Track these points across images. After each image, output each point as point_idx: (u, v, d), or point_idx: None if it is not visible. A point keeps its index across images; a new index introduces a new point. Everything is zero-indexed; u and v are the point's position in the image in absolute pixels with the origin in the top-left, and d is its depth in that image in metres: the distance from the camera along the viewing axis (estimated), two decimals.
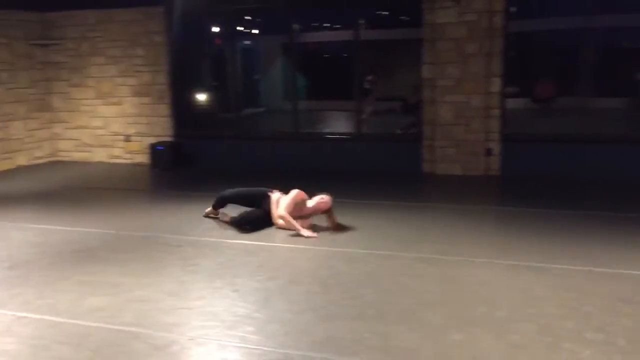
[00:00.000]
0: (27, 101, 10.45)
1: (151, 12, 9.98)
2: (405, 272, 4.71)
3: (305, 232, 5.68)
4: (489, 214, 6.71)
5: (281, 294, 4.30)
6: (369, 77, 14.21)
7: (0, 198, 7.80)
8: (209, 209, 6.44)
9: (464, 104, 8.50)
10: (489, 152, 8.54)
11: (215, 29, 11.98)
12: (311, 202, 5.98)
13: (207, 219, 6.38)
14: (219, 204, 6.34)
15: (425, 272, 4.72)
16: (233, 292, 4.36)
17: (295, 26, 10.77)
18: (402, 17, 13.34)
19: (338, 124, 13.15)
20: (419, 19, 8.66)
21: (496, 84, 8.40)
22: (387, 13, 12.66)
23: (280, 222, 5.86)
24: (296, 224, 5.74)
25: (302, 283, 4.51)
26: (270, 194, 6.09)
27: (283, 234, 5.78)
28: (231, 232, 5.94)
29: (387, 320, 3.82)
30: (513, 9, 8.83)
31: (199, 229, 6.07)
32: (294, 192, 5.93)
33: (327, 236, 5.69)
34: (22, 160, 10.34)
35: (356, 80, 9.98)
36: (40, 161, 10.69)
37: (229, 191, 6.33)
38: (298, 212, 5.91)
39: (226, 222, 6.19)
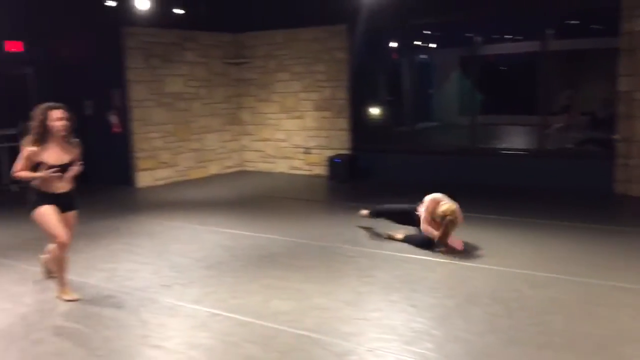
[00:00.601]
0: (221, 115, 11.40)
1: (334, 30, 10.38)
2: (597, 301, 4.34)
3: (457, 244, 5.63)
4: None
5: (459, 313, 4.19)
6: (567, 93, 13.41)
7: (196, 204, 8.58)
8: (365, 211, 6.66)
9: None
10: None
11: (393, 44, 12.10)
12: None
13: (370, 231, 6.45)
14: (374, 215, 6.59)
15: (622, 302, 4.31)
16: (410, 306, 4.33)
17: (477, 38, 10.50)
18: (594, 26, 12.37)
19: (518, 139, 12.55)
20: (615, 27, 8.00)
21: None
22: (576, 22, 11.82)
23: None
24: (449, 241, 5.66)
25: (481, 303, 4.36)
26: (417, 212, 5.99)
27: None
28: (403, 246, 5.92)
29: (579, 352, 3.54)
30: None
31: (373, 241, 6.15)
32: (422, 217, 5.83)
33: (507, 257, 5.44)
34: (214, 169, 11.30)
35: (542, 93, 9.42)
36: (229, 170, 11.58)
37: (380, 206, 6.62)
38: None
39: (397, 240, 6.16)
